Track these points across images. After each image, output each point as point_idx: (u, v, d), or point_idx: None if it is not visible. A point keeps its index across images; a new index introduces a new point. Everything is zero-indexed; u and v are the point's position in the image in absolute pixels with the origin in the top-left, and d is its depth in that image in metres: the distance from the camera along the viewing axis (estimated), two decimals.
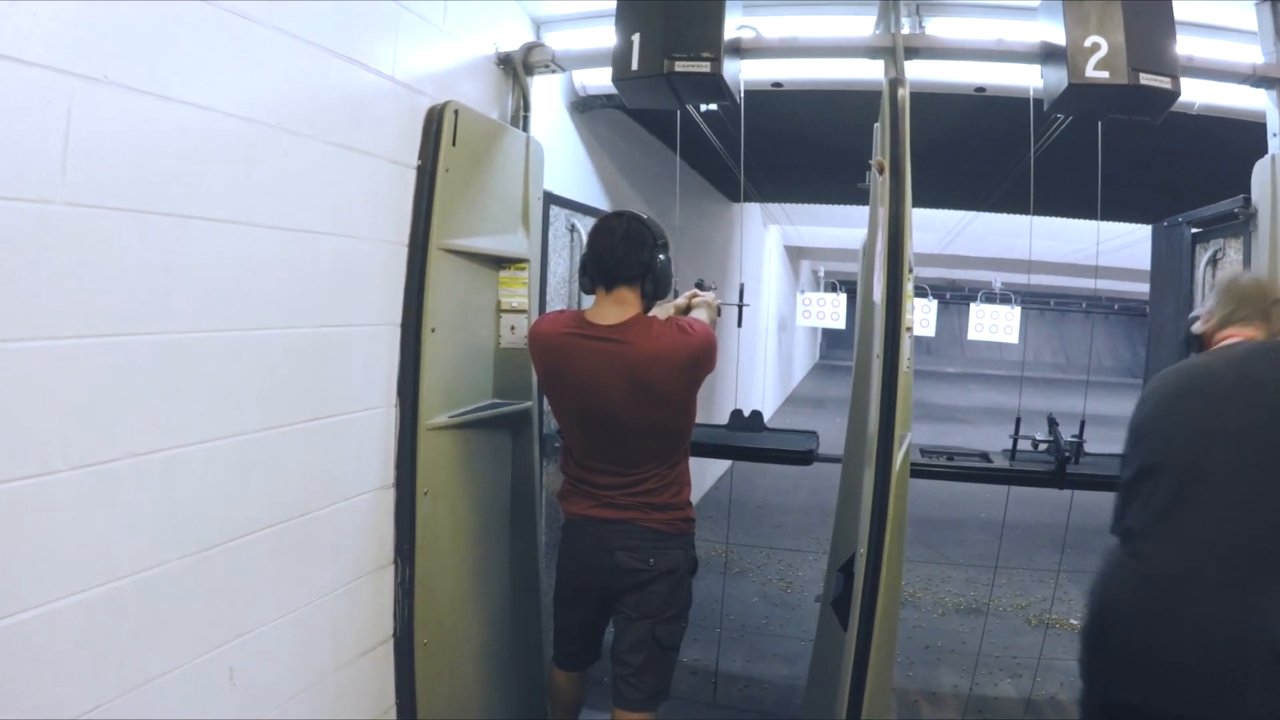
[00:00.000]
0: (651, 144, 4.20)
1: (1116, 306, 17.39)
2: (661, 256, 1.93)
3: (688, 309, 2.26)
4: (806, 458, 2.65)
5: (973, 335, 6.42)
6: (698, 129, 3.52)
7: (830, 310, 7.32)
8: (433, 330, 2.00)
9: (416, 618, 2.01)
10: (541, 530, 2.52)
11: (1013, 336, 6.18)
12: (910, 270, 1.86)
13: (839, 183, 5.60)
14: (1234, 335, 1.73)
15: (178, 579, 1.41)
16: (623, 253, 1.88)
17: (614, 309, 1.90)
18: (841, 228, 8.09)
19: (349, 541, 1.87)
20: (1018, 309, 6.23)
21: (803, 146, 4.40)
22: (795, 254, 12.44)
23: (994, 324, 6.37)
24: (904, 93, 1.73)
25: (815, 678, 2.42)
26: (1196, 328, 1.82)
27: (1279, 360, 1.62)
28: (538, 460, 2.47)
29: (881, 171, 1.75)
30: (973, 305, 6.38)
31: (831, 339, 22.03)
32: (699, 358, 1.88)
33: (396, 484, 2.00)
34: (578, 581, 2.05)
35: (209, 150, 1.42)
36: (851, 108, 3.15)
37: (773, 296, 9.87)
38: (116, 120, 1.25)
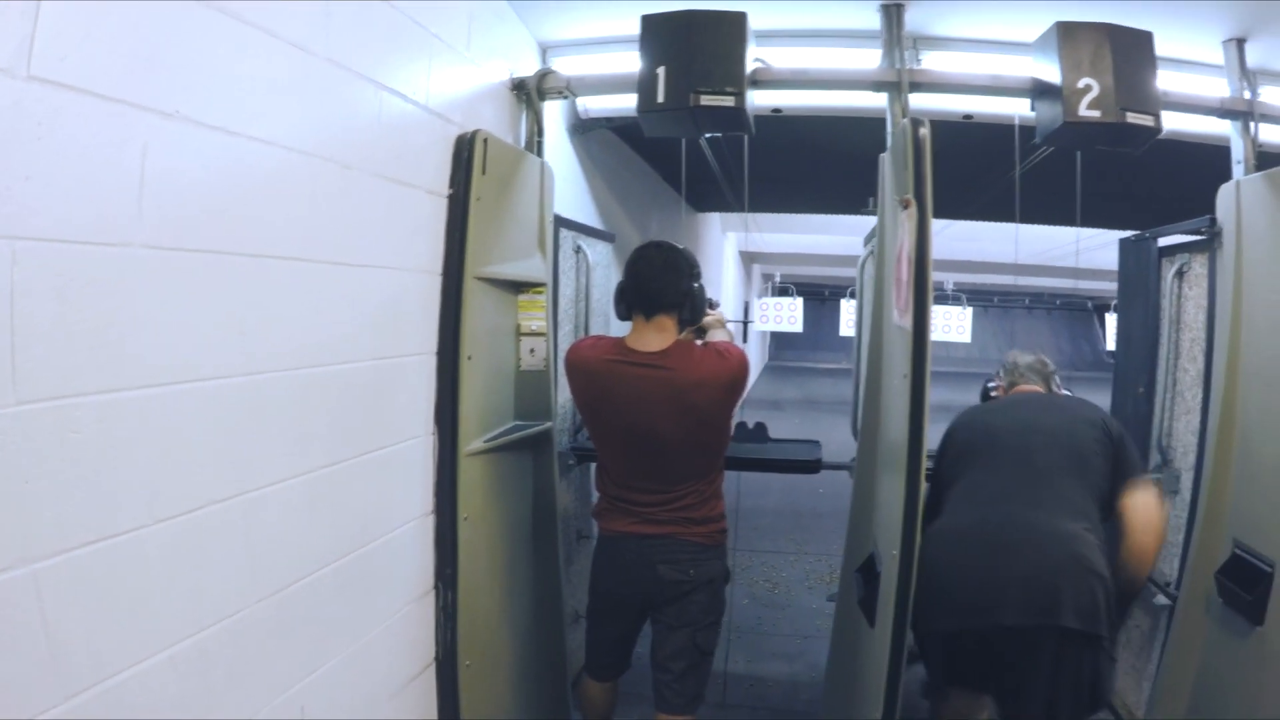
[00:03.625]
0: (630, 158, 4.27)
1: (1059, 302, 18.20)
2: (696, 285, 2.01)
3: (701, 329, 2.33)
4: (814, 466, 2.76)
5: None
6: (673, 146, 3.59)
7: (788, 314, 7.46)
8: (469, 358, 2.03)
9: (460, 640, 2.03)
10: (561, 545, 2.57)
11: (965, 336, 6.44)
12: None
13: (800, 193, 5.78)
14: (1027, 389, 2.37)
15: (258, 623, 1.41)
16: (664, 282, 1.96)
17: (655, 336, 1.97)
18: (799, 234, 8.31)
19: (399, 570, 1.89)
20: (970, 309, 6.50)
21: (769, 160, 4.54)
22: (748, 259, 12.67)
23: (946, 324, 6.63)
24: (925, 131, 1.83)
25: (834, 672, 2.52)
26: (994, 392, 2.48)
27: (1071, 398, 2.29)
28: (557, 479, 2.52)
29: (907, 207, 1.85)
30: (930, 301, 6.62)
31: (780, 341, 22.33)
32: (738, 380, 1.97)
33: (436, 510, 2.02)
34: (616, 595, 2.11)
35: (275, 186, 1.41)
36: (821, 126, 3.29)
37: (730, 302, 10.05)
38: (189, 156, 1.22)
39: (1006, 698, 2.00)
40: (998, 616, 1.86)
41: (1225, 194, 2.31)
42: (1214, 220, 2.34)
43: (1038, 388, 2.38)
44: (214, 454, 1.31)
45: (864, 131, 2.58)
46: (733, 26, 2.10)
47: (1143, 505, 2.00)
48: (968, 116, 2.61)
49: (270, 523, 1.44)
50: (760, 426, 2.93)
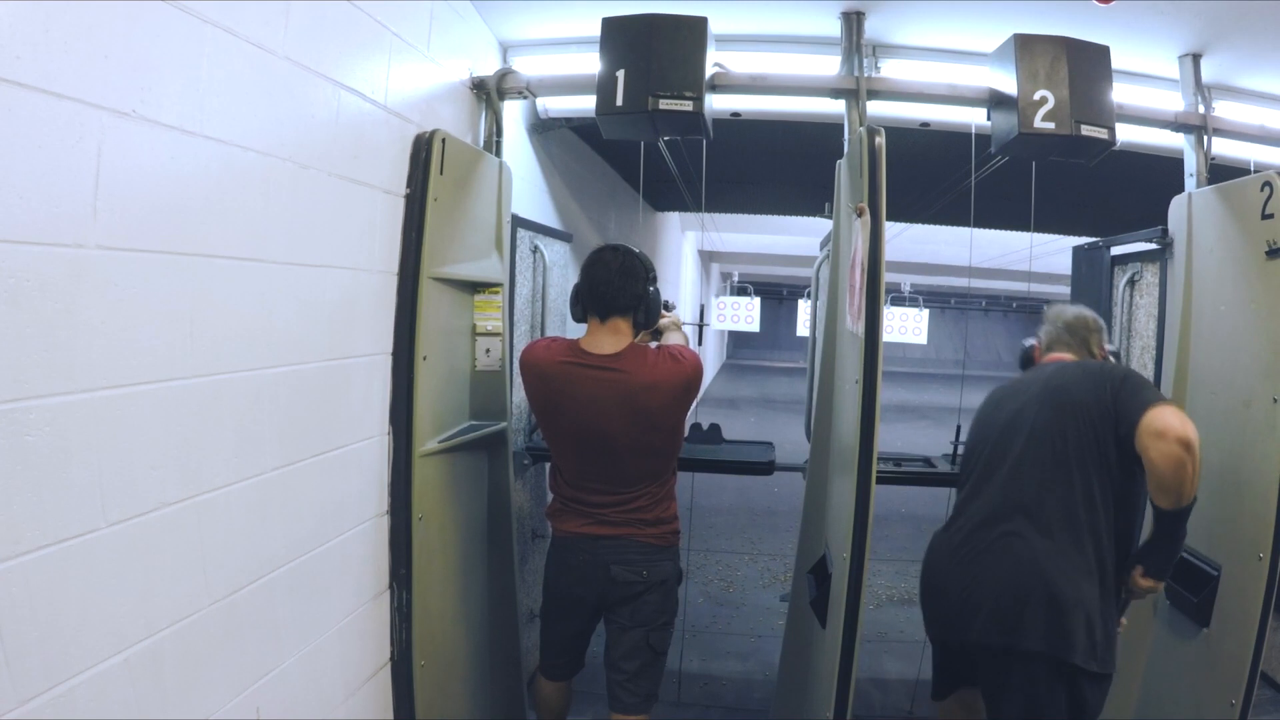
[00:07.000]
0: (589, 157, 4.27)
1: (1015, 305, 18.61)
2: (651, 289, 2.02)
3: (658, 330, 2.35)
4: (768, 468, 2.79)
5: (884, 337, 6.78)
6: (633, 146, 3.59)
7: (745, 314, 7.52)
8: (424, 358, 2.02)
9: (415, 640, 2.03)
10: (516, 545, 2.57)
11: (921, 337, 6.57)
12: None
13: (758, 194, 5.84)
14: (1055, 358, 2.11)
15: (211, 625, 1.40)
16: (619, 285, 1.97)
17: (609, 338, 1.98)
18: (757, 234, 8.37)
19: (353, 571, 1.88)
20: (926, 311, 6.62)
21: (728, 161, 4.58)
22: (706, 258, 12.72)
23: (903, 325, 6.76)
24: (880, 141, 1.84)
25: (787, 672, 2.56)
26: (1029, 348, 2.25)
27: (1073, 373, 1.98)
28: (512, 478, 2.52)
29: (861, 214, 1.87)
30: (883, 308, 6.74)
31: (738, 339, 22.49)
32: (691, 384, 2.00)
33: (391, 511, 2.01)
34: (571, 595, 2.12)
35: (230, 186, 1.40)
36: (780, 129, 3.34)
37: (688, 300, 10.09)
38: (145, 157, 1.21)
39: (988, 710, 2.01)
40: (970, 634, 1.90)
41: (1177, 206, 2.37)
42: (1166, 231, 2.41)
43: (1068, 355, 2.10)
44: (165, 456, 1.30)
45: (823, 135, 2.61)
46: (693, 31, 2.12)
47: (1151, 433, 1.72)
48: (925, 124, 2.66)
49: (222, 524, 1.43)
50: (714, 428, 2.96)
